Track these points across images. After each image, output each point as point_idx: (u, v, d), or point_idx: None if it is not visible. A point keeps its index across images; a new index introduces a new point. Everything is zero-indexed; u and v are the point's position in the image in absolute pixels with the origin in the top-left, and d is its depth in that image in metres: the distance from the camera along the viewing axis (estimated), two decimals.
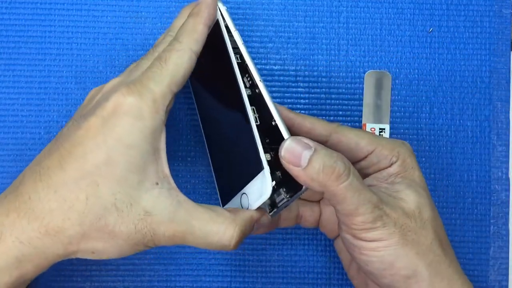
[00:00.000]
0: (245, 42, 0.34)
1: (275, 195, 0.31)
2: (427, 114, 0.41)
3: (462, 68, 0.41)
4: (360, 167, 0.34)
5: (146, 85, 0.29)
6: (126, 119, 0.28)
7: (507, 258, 0.41)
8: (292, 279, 0.40)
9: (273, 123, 0.31)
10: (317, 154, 0.28)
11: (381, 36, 0.41)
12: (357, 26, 0.41)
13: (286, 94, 0.41)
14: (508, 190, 0.41)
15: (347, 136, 0.33)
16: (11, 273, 0.28)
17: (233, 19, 0.41)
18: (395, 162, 0.33)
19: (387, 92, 0.41)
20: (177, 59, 0.30)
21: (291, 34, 0.41)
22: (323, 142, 0.33)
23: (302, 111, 0.41)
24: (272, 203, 0.32)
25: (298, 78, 0.41)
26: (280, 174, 0.31)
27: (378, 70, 0.41)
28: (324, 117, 0.41)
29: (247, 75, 0.33)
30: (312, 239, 0.40)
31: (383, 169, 0.33)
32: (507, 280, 0.41)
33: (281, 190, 0.31)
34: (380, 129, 0.41)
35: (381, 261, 0.30)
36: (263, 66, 0.41)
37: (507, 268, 0.41)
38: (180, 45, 0.31)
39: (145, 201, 0.28)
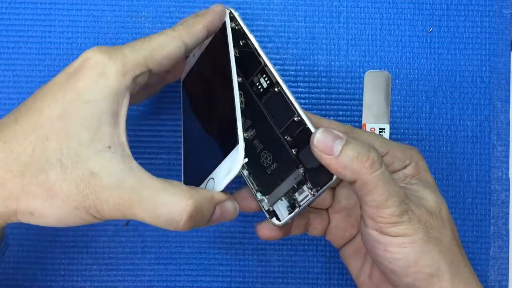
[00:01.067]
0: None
1: (296, 194, 0.32)
2: (427, 114, 0.41)
3: (462, 68, 0.41)
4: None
5: (121, 49, 0.28)
6: (90, 73, 0.27)
7: (507, 258, 0.41)
8: (292, 279, 0.40)
9: (296, 118, 0.31)
10: (349, 143, 0.29)
11: (381, 36, 0.41)
12: (357, 26, 0.41)
13: None
14: (508, 190, 0.41)
15: (362, 137, 0.33)
16: None
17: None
18: (409, 164, 0.33)
19: (387, 92, 0.41)
20: (163, 40, 0.30)
21: (291, 34, 0.41)
22: None
23: None
24: (291, 204, 0.32)
25: (298, 78, 0.41)
26: (303, 171, 0.31)
27: (378, 70, 0.41)
28: (324, 117, 0.41)
29: (265, 76, 0.33)
30: (312, 239, 0.40)
31: (398, 170, 0.33)
32: (507, 280, 0.41)
33: (304, 187, 0.31)
34: (380, 129, 0.41)
35: (406, 258, 0.29)
36: None
37: (507, 268, 0.41)
38: (172, 32, 0.31)
39: (93, 161, 0.26)
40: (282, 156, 0.32)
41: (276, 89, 0.33)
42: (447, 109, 0.41)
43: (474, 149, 0.41)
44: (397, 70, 0.41)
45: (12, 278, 0.40)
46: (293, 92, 0.41)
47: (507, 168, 0.41)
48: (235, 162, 0.30)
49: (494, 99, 0.41)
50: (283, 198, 0.32)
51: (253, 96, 0.34)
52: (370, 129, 0.41)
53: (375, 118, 0.41)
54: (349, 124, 0.41)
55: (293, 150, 0.32)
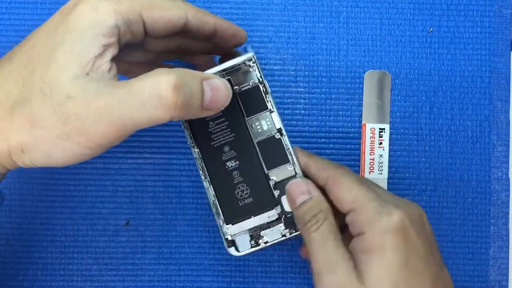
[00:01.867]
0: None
1: (265, 231, 0.35)
2: (427, 114, 0.41)
3: (462, 68, 0.41)
4: (347, 223, 0.32)
5: None
6: (81, 7, 0.27)
7: (507, 258, 0.41)
8: (292, 279, 0.40)
9: (289, 167, 0.35)
10: (307, 202, 0.32)
11: (381, 36, 0.41)
12: (357, 26, 0.41)
13: (286, 94, 0.41)
14: (508, 190, 0.41)
15: (340, 186, 0.32)
16: None
17: (233, 19, 0.41)
18: (365, 232, 0.30)
19: (387, 92, 0.41)
20: (168, 2, 0.29)
21: (291, 34, 0.41)
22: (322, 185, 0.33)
23: (302, 111, 0.41)
24: (255, 240, 0.35)
25: (298, 78, 0.41)
26: (278, 213, 0.35)
27: (378, 70, 0.41)
28: (324, 117, 0.41)
29: (267, 119, 0.36)
30: None
31: (357, 235, 0.30)
32: (507, 280, 0.41)
33: (275, 227, 0.35)
34: (380, 129, 0.41)
35: None
36: (263, 66, 0.41)
37: (507, 268, 0.41)
38: (181, 3, 0.30)
39: (70, 86, 0.26)
40: (262, 193, 0.35)
41: (276, 136, 0.35)
42: (447, 109, 0.41)
43: (474, 149, 0.41)
44: (397, 70, 0.41)
45: (12, 278, 0.40)
46: (292, 92, 0.41)
47: (507, 168, 0.41)
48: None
49: (494, 99, 0.41)
50: (246, 232, 0.35)
51: (247, 132, 0.36)
52: (370, 129, 0.41)
53: (375, 118, 0.41)
54: (349, 124, 0.41)
55: (275, 192, 0.35)
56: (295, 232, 0.35)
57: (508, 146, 0.41)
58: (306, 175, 0.34)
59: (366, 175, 0.41)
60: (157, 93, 0.26)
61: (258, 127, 0.36)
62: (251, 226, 0.35)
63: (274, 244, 0.35)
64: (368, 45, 0.41)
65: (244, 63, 0.34)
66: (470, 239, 0.41)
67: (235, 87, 0.34)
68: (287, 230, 0.35)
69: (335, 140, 0.41)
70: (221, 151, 0.36)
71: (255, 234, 0.35)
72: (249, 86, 0.36)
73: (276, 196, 0.35)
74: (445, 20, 0.42)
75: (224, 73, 0.34)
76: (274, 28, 0.41)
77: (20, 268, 0.40)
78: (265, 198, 0.35)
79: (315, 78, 0.41)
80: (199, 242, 0.40)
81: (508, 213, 0.41)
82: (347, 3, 0.41)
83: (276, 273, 0.40)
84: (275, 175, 0.35)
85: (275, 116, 0.36)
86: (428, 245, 0.30)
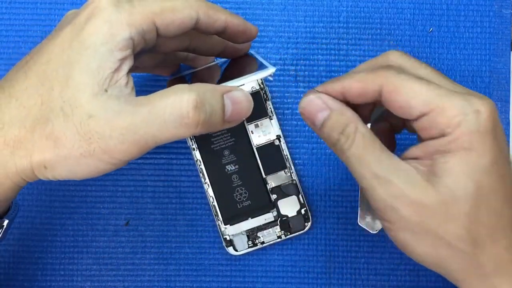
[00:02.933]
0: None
1: (261, 232, 0.37)
2: None
3: (462, 68, 0.41)
4: (416, 128, 0.28)
5: (131, 1, 0.28)
6: (94, 22, 0.27)
7: None
8: (292, 279, 0.40)
9: (286, 173, 0.37)
10: (330, 118, 0.28)
11: (381, 36, 0.41)
12: (357, 26, 0.41)
13: (286, 94, 0.41)
14: None
15: (402, 90, 0.27)
16: None
17: None
18: (448, 134, 0.26)
19: None
20: (178, 4, 0.28)
21: (291, 34, 0.41)
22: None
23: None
24: (252, 240, 0.37)
25: (298, 78, 0.41)
26: (274, 215, 0.37)
27: None
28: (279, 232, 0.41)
29: (267, 126, 0.38)
30: (312, 238, 0.40)
31: (434, 138, 0.26)
32: None
33: (271, 229, 0.37)
34: None
35: None
36: None
37: None
38: (191, 0, 0.29)
39: (90, 105, 0.26)
40: (260, 197, 0.37)
41: (275, 142, 0.37)
42: None
43: None
44: None
45: (12, 278, 0.40)
46: (292, 92, 0.41)
47: None
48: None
49: (494, 99, 0.41)
50: (244, 233, 0.38)
51: (247, 137, 0.37)
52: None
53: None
54: None
55: (272, 196, 0.37)
56: (290, 234, 0.37)
57: (508, 146, 0.41)
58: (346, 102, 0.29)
59: None
60: (178, 113, 0.26)
61: (258, 132, 0.37)
62: (248, 228, 0.38)
63: (270, 244, 0.37)
64: (368, 45, 0.41)
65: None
66: None
67: None
68: (282, 232, 0.38)
69: None
70: (221, 154, 0.37)
71: (252, 235, 0.38)
72: (250, 92, 0.36)
73: (273, 200, 0.37)
74: (445, 20, 0.42)
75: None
76: (274, 28, 0.41)
77: (20, 268, 0.40)
78: (262, 201, 0.37)
79: (315, 78, 0.41)
80: (199, 242, 0.40)
81: None
82: (347, 3, 0.41)
83: (276, 273, 0.40)
84: (273, 180, 0.38)
85: (274, 123, 0.37)
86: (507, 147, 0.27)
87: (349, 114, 0.28)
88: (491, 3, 0.42)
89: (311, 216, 0.39)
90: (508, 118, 0.41)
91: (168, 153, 0.41)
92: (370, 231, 0.40)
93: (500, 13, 0.42)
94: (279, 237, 0.38)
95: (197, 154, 0.37)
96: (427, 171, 0.27)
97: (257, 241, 0.38)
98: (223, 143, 0.37)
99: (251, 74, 0.31)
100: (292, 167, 0.37)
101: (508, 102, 0.41)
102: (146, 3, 0.28)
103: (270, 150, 0.37)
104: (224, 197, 0.37)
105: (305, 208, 0.38)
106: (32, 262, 0.40)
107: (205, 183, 0.37)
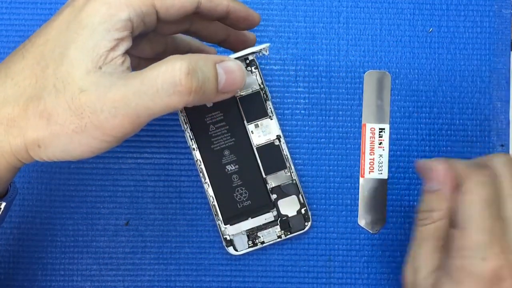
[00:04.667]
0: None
1: (261, 232, 0.38)
2: (427, 114, 0.41)
3: (462, 68, 0.41)
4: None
5: None
6: (93, 3, 0.27)
7: None
8: (292, 279, 0.40)
9: (286, 173, 0.38)
10: (432, 194, 0.31)
11: (381, 36, 0.41)
12: (357, 26, 0.41)
13: (286, 94, 0.41)
14: None
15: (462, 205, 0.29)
16: None
17: None
18: (452, 260, 0.29)
19: (387, 92, 0.41)
20: None
21: (291, 34, 0.41)
22: None
23: (302, 111, 0.41)
24: (252, 240, 0.38)
25: (298, 78, 0.41)
26: (275, 215, 0.38)
27: (378, 70, 0.41)
28: (324, 117, 0.41)
29: (267, 126, 0.38)
30: (312, 237, 0.40)
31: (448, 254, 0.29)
32: None
33: (271, 229, 0.38)
34: (380, 129, 0.41)
35: None
36: (263, 66, 0.41)
37: None
38: None
39: (83, 81, 0.26)
40: (260, 197, 0.37)
41: (275, 142, 0.37)
42: (447, 109, 0.41)
43: (474, 149, 0.41)
44: (397, 70, 0.41)
45: (12, 278, 0.40)
46: (292, 92, 0.41)
47: None
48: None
49: (494, 99, 0.41)
50: (244, 232, 0.38)
51: (247, 137, 0.37)
52: (370, 129, 0.41)
53: (375, 118, 0.41)
54: (349, 124, 0.41)
55: (272, 196, 0.37)
56: (290, 234, 0.38)
57: (508, 146, 0.41)
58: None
59: (366, 175, 0.41)
60: (171, 80, 0.26)
61: (258, 132, 0.37)
62: (248, 227, 0.37)
63: (270, 244, 0.37)
64: (368, 45, 0.41)
65: (253, 59, 0.34)
66: None
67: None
68: (283, 231, 0.38)
69: (335, 140, 0.41)
70: (221, 154, 0.37)
71: (252, 234, 0.38)
72: (250, 92, 0.36)
73: (273, 199, 0.37)
74: (445, 20, 0.42)
75: None
76: (274, 28, 0.41)
77: (20, 268, 0.40)
78: (262, 201, 0.37)
79: (315, 78, 0.41)
80: (199, 242, 0.40)
81: None
82: (347, 3, 0.41)
83: (276, 272, 0.40)
84: (273, 180, 0.37)
85: (274, 123, 0.37)
86: None
87: (445, 205, 0.30)
88: (491, 3, 0.42)
89: (311, 215, 0.39)
90: (508, 118, 0.41)
91: (168, 153, 0.41)
92: (370, 231, 0.40)
93: (500, 13, 0.42)
94: (279, 236, 0.38)
95: (197, 154, 0.37)
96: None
97: (257, 240, 0.38)
98: (223, 143, 0.37)
99: (245, 50, 0.31)
100: (292, 167, 0.37)
101: (508, 102, 0.41)
102: None
103: (270, 150, 0.37)
104: (224, 197, 0.37)
105: (305, 208, 0.38)
106: (32, 262, 0.40)
107: (205, 183, 0.37)
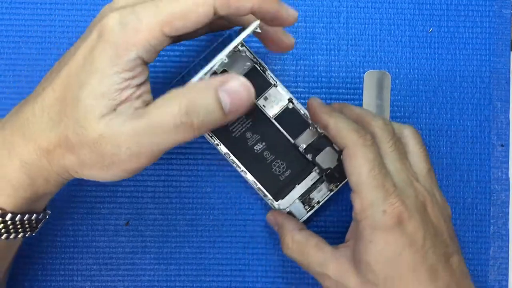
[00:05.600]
0: (245, 42, 0.35)
1: (313, 193, 0.37)
2: (427, 114, 0.41)
3: (462, 68, 0.41)
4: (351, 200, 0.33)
5: (137, 14, 0.27)
6: (103, 45, 0.27)
7: (507, 258, 0.41)
8: (292, 279, 0.40)
9: (311, 129, 0.37)
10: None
11: (381, 36, 0.41)
12: (357, 26, 0.41)
13: None
14: (508, 190, 0.41)
15: (352, 162, 0.32)
16: (26, 190, 0.30)
17: None
18: (358, 221, 0.31)
19: (387, 92, 0.41)
20: (190, 4, 0.27)
21: (291, 34, 0.41)
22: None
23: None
24: (308, 203, 0.37)
25: (298, 78, 0.41)
26: (318, 172, 0.37)
27: (378, 70, 0.41)
28: (334, 187, 0.41)
29: (275, 94, 0.37)
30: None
31: (353, 219, 0.33)
32: (507, 280, 0.41)
33: (321, 186, 0.37)
34: None
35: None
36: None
37: (507, 268, 0.41)
38: None
39: (99, 126, 0.27)
40: (297, 162, 0.37)
41: (289, 106, 0.37)
42: (447, 109, 0.41)
43: (474, 149, 0.41)
44: (397, 70, 0.41)
45: (12, 278, 0.40)
46: (292, 92, 0.41)
47: (507, 168, 0.41)
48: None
49: (494, 99, 0.41)
50: (297, 200, 0.37)
51: (262, 112, 0.37)
52: None
53: None
54: None
55: (308, 156, 0.37)
56: (340, 183, 0.37)
57: (508, 146, 0.41)
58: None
59: None
60: (173, 122, 0.27)
61: (269, 104, 0.37)
62: (299, 194, 0.37)
63: (326, 200, 0.38)
64: (368, 45, 0.41)
65: (240, 47, 0.33)
66: (470, 239, 0.41)
67: None
68: (332, 184, 0.37)
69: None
70: (244, 138, 0.37)
71: (305, 199, 0.37)
72: (247, 70, 0.36)
73: (310, 159, 0.37)
74: (445, 20, 0.42)
75: (222, 62, 0.31)
76: None
77: (20, 268, 0.40)
78: (301, 165, 0.37)
79: (315, 78, 0.41)
80: (199, 242, 0.40)
81: (508, 213, 0.41)
82: (347, 3, 0.41)
83: (276, 272, 0.40)
84: (302, 141, 0.37)
85: (281, 89, 0.37)
86: (431, 236, 0.31)
87: (287, 226, 0.35)
88: (491, 3, 0.42)
89: None
90: (508, 118, 0.41)
91: (168, 153, 0.41)
92: None
93: (500, 13, 0.42)
94: (331, 190, 0.37)
95: (222, 148, 0.37)
96: (351, 256, 0.32)
97: (312, 202, 0.37)
98: (242, 127, 0.37)
99: (236, 38, 0.29)
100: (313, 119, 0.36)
101: (508, 102, 0.41)
102: (152, 11, 0.27)
103: (288, 115, 0.37)
104: (265, 176, 0.37)
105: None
106: (32, 262, 0.40)
107: (242, 171, 0.37)
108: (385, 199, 0.30)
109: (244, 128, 0.37)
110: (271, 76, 0.37)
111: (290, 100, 0.37)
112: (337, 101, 0.41)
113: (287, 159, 0.37)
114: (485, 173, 0.41)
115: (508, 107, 0.41)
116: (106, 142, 0.27)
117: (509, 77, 0.41)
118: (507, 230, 0.41)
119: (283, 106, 0.37)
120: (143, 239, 0.40)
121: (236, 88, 0.28)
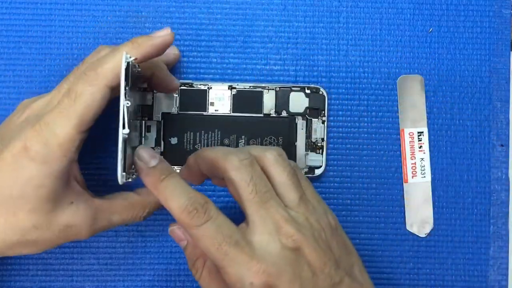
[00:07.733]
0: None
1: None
2: (427, 114, 0.41)
3: (462, 68, 0.41)
4: None
5: (53, 129, 0.29)
6: (33, 164, 0.29)
7: (507, 258, 0.41)
8: None
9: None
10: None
11: (381, 36, 0.41)
12: (357, 26, 0.41)
13: None
14: (508, 190, 0.41)
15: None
16: None
17: (233, 19, 0.41)
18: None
19: (422, 95, 0.41)
20: (89, 96, 0.30)
21: (291, 34, 0.41)
22: None
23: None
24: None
25: (298, 78, 0.41)
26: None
27: (411, 75, 0.41)
28: (323, 117, 0.41)
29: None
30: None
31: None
32: (507, 280, 0.41)
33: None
34: (418, 132, 0.41)
35: None
36: (263, 66, 0.41)
37: (507, 268, 0.41)
38: (96, 79, 0.30)
39: (63, 218, 0.31)
40: (279, 127, 0.39)
41: (233, 92, 0.39)
42: (447, 109, 0.41)
43: (474, 149, 0.41)
44: (397, 70, 0.41)
45: (12, 278, 0.40)
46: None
47: (507, 168, 0.41)
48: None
49: (494, 99, 0.41)
50: (308, 151, 0.40)
51: (224, 117, 0.39)
52: (409, 134, 0.41)
53: (412, 123, 0.41)
54: (349, 124, 0.41)
55: (283, 113, 0.39)
56: (323, 111, 0.40)
57: (507, 146, 0.41)
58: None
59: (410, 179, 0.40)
60: (138, 220, 0.36)
61: (219, 104, 0.39)
62: (304, 146, 0.40)
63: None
64: (368, 45, 0.41)
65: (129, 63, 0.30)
66: (470, 239, 0.41)
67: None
68: (319, 117, 0.40)
69: (333, 140, 0.41)
70: (226, 146, 0.39)
71: (311, 146, 0.40)
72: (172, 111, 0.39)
73: (286, 114, 0.39)
74: (445, 20, 0.42)
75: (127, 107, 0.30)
76: (274, 28, 0.41)
77: (20, 268, 0.40)
78: (283, 125, 0.39)
79: (315, 78, 0.41)
80: None
81: (508, 213, 0.41)
82: (347, 3, 0.41)
83: None
84: (267, 109, 0.40)
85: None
86: (309, 280, 0.29)
87: (199, 249, 0.32)
88: (491, 3, 0.42)
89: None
90: (508, 118, 0.41)
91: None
92: (419, 235, 0.40)
93: (500, 13, 0.42)
94: (323, 122, 0.40)
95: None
96: None
97: (318, 144, 0.40)
98: (216, 142, 0.39)
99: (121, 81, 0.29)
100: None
101: (508, 102, 0.41)
102: (63, 123, 0.29)
103: (240, 99, 0.39)
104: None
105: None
106: (32, 262, 0.40)
107: None
108: (279, 231, 0.29)
109: (218, 140, 0.39)
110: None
111: (230, 87, 0.39)
112: (337, 101, 0.41)
113: (271, 131, 0.39)
114: (484, 173, 0.41)
115: (508, 107, 0.41)
116: (73, 230, 0.32)
117: (509, 77, 0.41)
118: (507, 230, 0.41)
119: (229, 98, 0.39)
120: (143, 239, 0.40)
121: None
